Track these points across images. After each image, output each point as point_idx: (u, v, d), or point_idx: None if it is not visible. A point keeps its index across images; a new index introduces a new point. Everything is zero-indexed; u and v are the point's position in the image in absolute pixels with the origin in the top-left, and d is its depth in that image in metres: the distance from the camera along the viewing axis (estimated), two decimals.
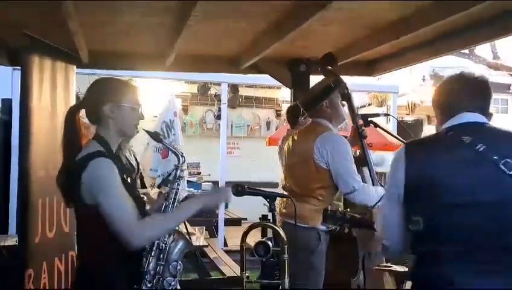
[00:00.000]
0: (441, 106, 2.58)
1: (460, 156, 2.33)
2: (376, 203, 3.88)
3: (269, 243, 3.00)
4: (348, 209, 4.03)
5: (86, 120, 2.98)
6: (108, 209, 2.63)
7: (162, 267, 2.89)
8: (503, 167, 2.25)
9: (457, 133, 2.39)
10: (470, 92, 2.53)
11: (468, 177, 2.30)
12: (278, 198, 4.24)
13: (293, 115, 5.29)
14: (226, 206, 10.10)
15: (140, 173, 4.61)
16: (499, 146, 2.32)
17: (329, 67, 4.44)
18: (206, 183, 10.83)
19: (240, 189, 3.20)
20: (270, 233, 3.21)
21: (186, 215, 2.86)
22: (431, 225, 2.33)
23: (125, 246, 2.63)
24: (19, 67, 4.57)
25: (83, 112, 2.94)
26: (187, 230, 3.20)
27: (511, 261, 2.26)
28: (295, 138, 4.51)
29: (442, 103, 2.58)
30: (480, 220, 2.26)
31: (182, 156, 3.13)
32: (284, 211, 4.24)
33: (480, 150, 2.29)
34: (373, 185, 4.23)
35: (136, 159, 4.55)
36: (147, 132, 3.12)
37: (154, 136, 3.15)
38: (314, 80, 5.47)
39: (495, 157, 2.27)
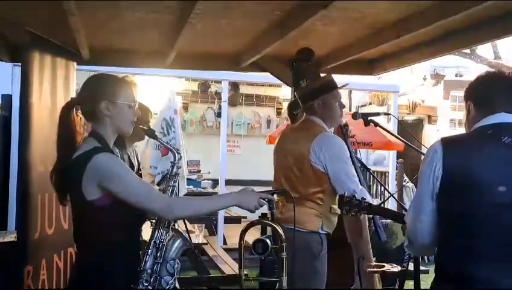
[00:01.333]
0: (478, 101, 2.58)
1: (501, 156, 2.35)
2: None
3: (267, 241, 3.00)
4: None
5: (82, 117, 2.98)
6: (132, 191, 2.70)
7: (159, 266, 2.87)
8: None
9: (496, 132, 2.41)
10: (508, 92, 2.55)
11: (507, 177, 2.32)
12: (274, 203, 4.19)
13: (293, 110, 5.29)
14: None
15: (140, 173, 4.59)
16: None
17: (308, 63, 4.38)
18: (206, 181, 10.83)
19: None
20: (269, 231, 3.20)
21: (218, 205, 2.87)
22: (466, 222, 2.35)
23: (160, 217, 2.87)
24: (19, 64, 4.56)
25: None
26: (186, 228, 3.19)
27: None
28: (288, 135, 4.38)
29: (481, 99, 2.58)
30: None
31: (177, 152, 3.12)
32: (280, 216, 3.93)
33: None
34: (360, 184, 4.17)
35: (137, 159, 4.54)
36: (142, 128, 3.10)
37: (149, 133, 3.13)
38: None
39: None
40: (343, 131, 4.32)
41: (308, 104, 4.18)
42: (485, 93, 2.58)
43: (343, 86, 4.35)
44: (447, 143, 2.48)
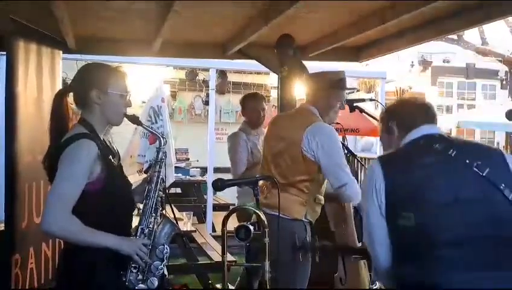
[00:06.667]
0: (400, 122, 2.72)
1: (437, 162, 2.44)
2: None
3: (250, 227, 3.02)
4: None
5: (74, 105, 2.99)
6: (55, 182, 2.67)
7: (148, 252, 2.88)
8: (476, 169, 2.39)
9: (427, 141, 2.54)
10: (423, 109, 2.74)
11: (448, 181, 2.39)
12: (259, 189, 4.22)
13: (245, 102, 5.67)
14: (215, 192, 10.11)
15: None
16: (467, 151, 2.48)
17: (289, 50, 4.40)
18: (195, 169, 10.84)
19: (220, 183, 3.23)
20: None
21: (98, 242, 2.72)
22: (417, 230, 2.38)
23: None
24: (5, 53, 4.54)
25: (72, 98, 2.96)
26: (174, 216, 3.20)
27: (493, 254, 2.35)
28: (282, 122, 4.33)
29: (403, 117, 2.73)
30: (464, 218, 2.35)
31: (163, 137, 3.12)
32: (265, 201, 3.88)
33: (452, 155, 2.43)
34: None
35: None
36: (126, 115, 3.06)
37: (132, 119, 3.08)
38: None
39: (467, 161, 2.41)
40: None
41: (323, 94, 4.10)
42: (407, 111, 2.75)
43: (352, 89, 4.35)
44: (385, 161, 2.57)
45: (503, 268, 2.34)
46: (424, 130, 2.62)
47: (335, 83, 4.10)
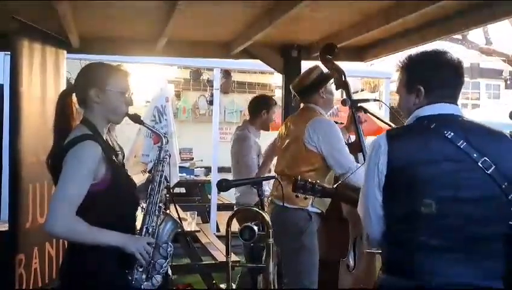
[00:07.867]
0: (429, 87, 2.52)
1: (444, 152, 2.37)
2: None
3: (254, 227, 3.03)
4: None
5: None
6: (59, 183, 2.69)
7: (152, 250, 2.89)
8: (481, 166, 2.33)
9: (439, 126, 2.41)
10: (450, 80, 2.54)
11: (450, 173, 2.35)
12: (273, 183, 4.56)
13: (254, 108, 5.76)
14: (219, 192, 10.10)
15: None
16: (478, 143, 2.37)
17: (329, 56, 4.49)
18: (199, 168, 10.84)
19: (225, 184, 3.26)
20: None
21: (102, 241, 2.71)
22: (411, 216, 2.36)
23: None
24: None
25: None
26: (178, 215, 3.20)
27: (484, 252, 2.34)
28: (288, 123, 4.62)
29: (431, 84, 2.52)
30: (458, 215, 2.32)
31: (164, 136, 3.11)
32: (275, 193, 4.38)
33: (461, 147, 2.35)
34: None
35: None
36: (127, 114, 3.05)
37: (133, 118, 3.06)
38: (305, 65, 5.49)
39: (475, 155, 2.34)
40: (354, 118, 4.40)
41: (314, 92, 4.45)
42: (439, 81, 2.53)
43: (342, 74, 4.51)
44: (392, 137, 2.47)
45: (487, 264, 2.34)
46: (442, 109, 2.49)
47: (324, 78, 4.47)
